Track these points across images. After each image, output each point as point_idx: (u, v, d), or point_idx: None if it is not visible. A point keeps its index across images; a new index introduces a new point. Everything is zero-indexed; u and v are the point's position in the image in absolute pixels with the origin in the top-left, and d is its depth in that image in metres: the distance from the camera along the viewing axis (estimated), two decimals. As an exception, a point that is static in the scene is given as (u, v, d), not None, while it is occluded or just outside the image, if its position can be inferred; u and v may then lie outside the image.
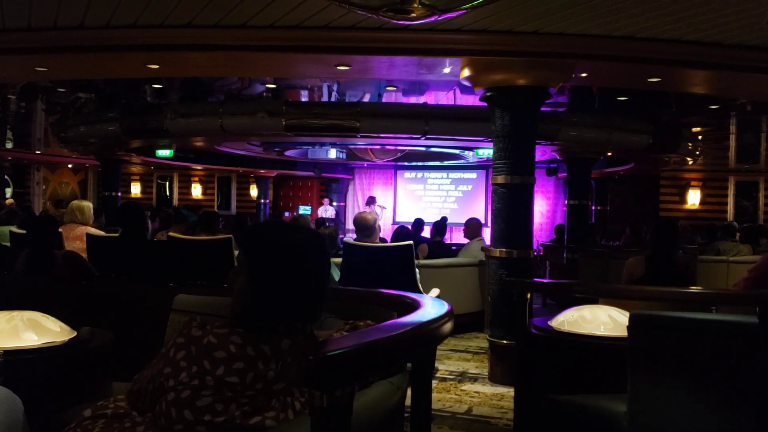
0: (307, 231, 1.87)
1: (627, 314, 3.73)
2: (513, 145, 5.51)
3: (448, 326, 1.85)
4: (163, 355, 1.72)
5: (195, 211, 17.43)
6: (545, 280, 5.96)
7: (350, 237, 16.74)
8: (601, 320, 3.84)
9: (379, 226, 5.86)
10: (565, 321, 3.92)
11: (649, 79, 6.04)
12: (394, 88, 8.79)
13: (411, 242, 5.62)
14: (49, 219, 5.10)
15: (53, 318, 3.36)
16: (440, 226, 8.87)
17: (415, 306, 2.13)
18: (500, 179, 5.57)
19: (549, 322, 3.98)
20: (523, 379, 3.93)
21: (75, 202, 6.96)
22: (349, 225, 19.59)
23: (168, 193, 20.78)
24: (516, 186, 5.53)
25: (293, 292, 1.74)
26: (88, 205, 6.96)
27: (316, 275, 1.80)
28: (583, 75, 6.04)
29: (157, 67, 6.09)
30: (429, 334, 1.68)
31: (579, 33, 4.94)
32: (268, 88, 10.15)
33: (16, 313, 3.26)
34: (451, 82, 7.67)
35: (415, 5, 3.82)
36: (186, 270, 5.70)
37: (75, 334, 3.33)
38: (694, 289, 3.42)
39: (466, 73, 5.61)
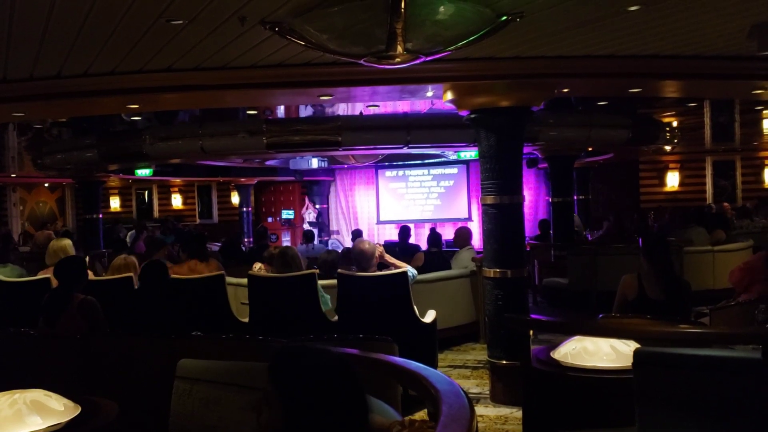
0: (333, 358, 1.85)
1: (629, 344, 3.78)
2: (500, 165, 5.52)
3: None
4: None
5: (176, 223, 17.30)
6: (545, 318, 5.99)
7: (335, 239, 16.67)
8: (603, 351, 3.86)
9: (380, 254, 5.79)
10: (568, 353, 3.94)
11: (630, 90, 6.08)
12: (377, 107, 8.76)
13: (405, 270, 5.59)
14: (75, 260, 5.01)
15: (56, 395, 3.33)
16: (434, 238, 8.90)
17: (436, 397, 2.14)
18: (489, 200, 5.58)
19: (552, 354, 4.00)
20: (529, 414, 3.96)
21: (55, 243, 6.70)
22: (333, 226, 19.53)
23: (148, 205, 20.59)
24: (506, 206, 5.54)
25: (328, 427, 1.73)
26: (68, 243, 6.74)
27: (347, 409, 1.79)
28: (565, 90, 6.06)
29: (136, 106, 6.01)
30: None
31: (561, 55, 4.95)
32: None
33: (18, 395, 3.23)
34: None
35: (399, 51, 3.81)
36: (179, 312, 5.67)
37: (79, 410, 3.31)
38: (689, 328, 3.45)
39: (449, 96, 5.59)
